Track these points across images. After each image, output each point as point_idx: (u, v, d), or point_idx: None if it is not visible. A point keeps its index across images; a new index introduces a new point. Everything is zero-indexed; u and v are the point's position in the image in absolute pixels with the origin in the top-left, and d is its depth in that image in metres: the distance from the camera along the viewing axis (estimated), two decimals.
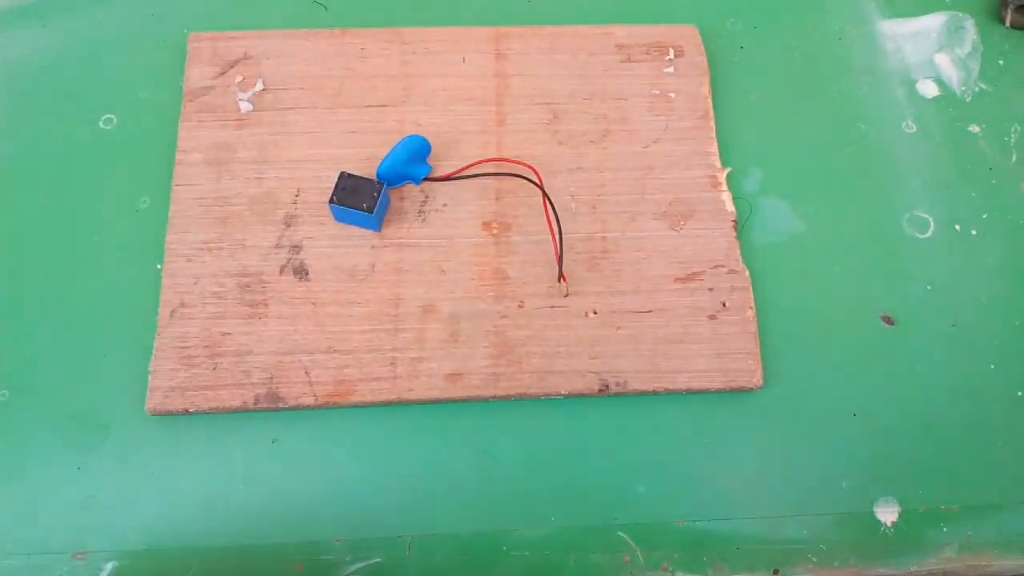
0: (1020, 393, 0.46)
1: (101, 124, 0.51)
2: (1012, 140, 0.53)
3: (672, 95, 0.52)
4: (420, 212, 0.48)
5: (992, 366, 0.47)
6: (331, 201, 0.45)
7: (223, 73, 0.50)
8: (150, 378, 0.43)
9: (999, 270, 0.49)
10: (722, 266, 0.47)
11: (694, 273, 0.47)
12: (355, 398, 0.43)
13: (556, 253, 0.45)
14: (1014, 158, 0.52)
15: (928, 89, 0.54)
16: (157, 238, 0.47)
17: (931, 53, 0.56)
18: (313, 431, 0.44)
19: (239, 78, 0.50)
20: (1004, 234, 0.50)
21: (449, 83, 0.51)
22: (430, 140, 0.48)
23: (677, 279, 0.47)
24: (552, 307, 0.46)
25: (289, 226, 0.47)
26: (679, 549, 0.43)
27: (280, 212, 0.47)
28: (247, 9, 0.54)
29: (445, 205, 0.48)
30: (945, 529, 0.44)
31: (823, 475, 0.44)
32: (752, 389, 0.45)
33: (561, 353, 0.45)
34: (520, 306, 0.46)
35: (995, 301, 0.48)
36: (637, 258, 0.47)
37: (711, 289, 0.47)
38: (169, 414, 0.43)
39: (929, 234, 0.50)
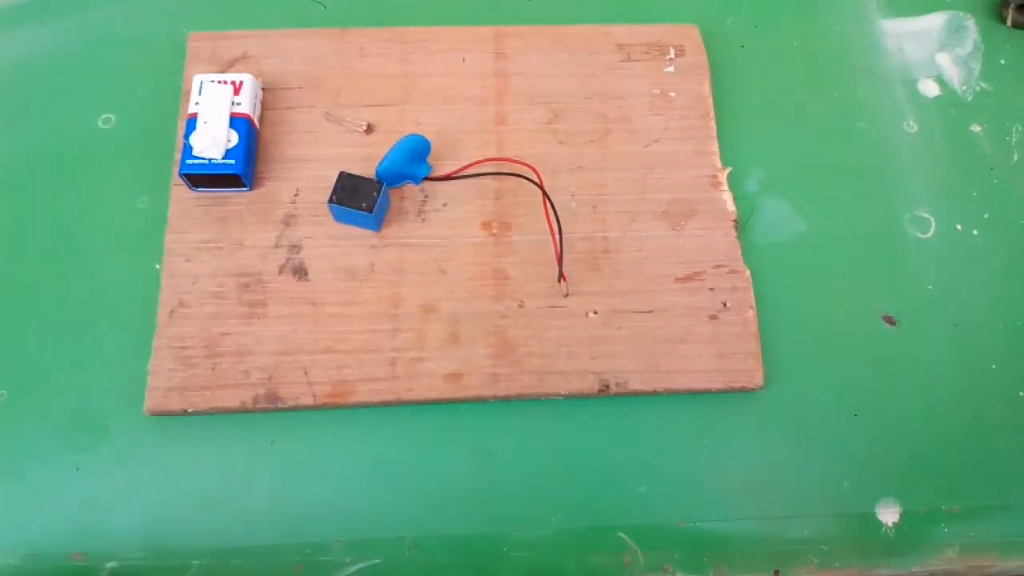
0: (1021, 393, 0.46)
1: (100, 123, 0.50)
2: (1013, 140, 0.53)
3: (673, 94, 0.51)
4: (420, 212, 0.48)
5: (993, 366, 0.47)
6: (330, 201, 0.45)
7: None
8: (149, 378, 0.43)
9: (1000, 270, 0.49)
10: (723, 266, 0.47)
11: (695, 273, 0.47)
12: (354, 398, 0.43)
13: (556, 253, 0.45)
14: (1015, 158, 0.52)
15: (929, 88, 0.54)
16: (156, 238, 0.47)
17: (932, 52, 0.56)
18: (312, 431, 0.44)
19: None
20: (1005, 234, 0.50)
21: (449, 82, 0.51)
22: (430, 139, 0.48)
23: (677, 279, 0.47)
24: (552, 307, 0.46)
25: (288, 226, 0.47)
26: (680, 550, 0.43)
27: (279, 212, 0.47)
28: (247, 8, 0.54)
29: (445, 205, 0.48)
30: (946, 530, 0.44)
31: (824, 475, 0.44)
32: (753, 389, 0.45)
33: (561, 353, 0.45)
34: (520, 306, 0.46)
35: (996, 301, 0.48)
36: (637, 258, 0.47)
37: (712, 289, 0.46)
38: (168, 414, 0.43)
39: (930, 234, 0.50)
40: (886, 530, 0.43)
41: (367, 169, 0.48)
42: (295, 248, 0.46)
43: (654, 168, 0.49)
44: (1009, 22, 0.56)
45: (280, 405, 0.43)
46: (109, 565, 0.41)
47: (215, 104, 0.46)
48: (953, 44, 0.56)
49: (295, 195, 0.48)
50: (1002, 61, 0.55)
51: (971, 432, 0.45)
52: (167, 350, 0.44)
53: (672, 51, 0.53)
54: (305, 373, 0.44)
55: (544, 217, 0.46)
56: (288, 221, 0.47)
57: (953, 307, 0.48)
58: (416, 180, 0.48)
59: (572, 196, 0.49)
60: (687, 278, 0.47)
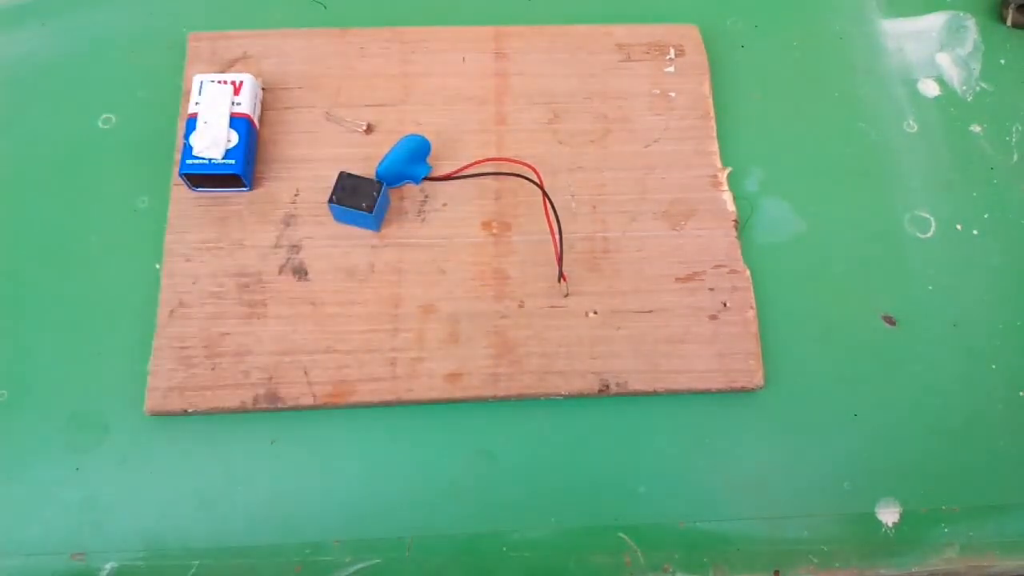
0: (1021, 393, 0.46)
1: (100, 124, 0.50)
2: (1013, 140, 0.53)
3: (673, 94, 0.51)
4: (420, 212, 0.48)
5: (993, 366, 0.47)
6: (330, 201, 0.45)
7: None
8: (149, 378, 0.43)
9: (1000, 270, 0.49)
10: (723, 266, 0.47)
11: (695, 273, 0.47)
12: (354, 398, 0.43)
13: (556, 253, 0.45)
14: (1015, 158, 0.52)
15: (929, 88, 0.54)
16: (156, 238, 0.47)
17: (932, 52, 0.56)
18: (312, 431, 0.44)
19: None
20: (1005, 234, 0.50)
21: (449, 82, 0.51)
22: (430, 139, 0.48)
23: (678, 279, 0.47)
24: (552, 307, 0.46)
25: (288, 226, 0.47)
26: (680, 550, 0.43)
27: (279, 212, 0.47)
28: (246, 8, 0.54)
29: (445, 205, 0.48)
30: (946, 530, 0.44)
31: (824, 475, 0.44)
32: (753, 389, 0.45)
33: (561, 353, 0.45)
34: (520, 306, 0.46)
35: (996, 301, 0.48)
36: (637, 258, 0.47)
37: (712, 289, 0.46)
38: (168, 414, 0.43)
39: (930, 234, 0.50)
40: (886, 530, 0.43)
41: (367, 169, 0.48)
42: (295, 248, 0.46)
43: (654, 168, 0.49)
44: (1009, 22, 0.56)
45: (280, 405, 0.43)
46: (109, 565, 0.41)
47: (215, 104, 0.46)
48: (953, 44, 0.56)
49: (295, 195, 0.48)
50: (1002, 61, 0.55)
51: (971, 432, 0.45)
52: (167, 350, 0.44)
53: (672, 51, 0.53)
54: (305, 373, 0.44)
55: (544, 217, 0.46)
56: (288, 221, 0.47)
57: (953, 307, 0.48)
58: (416, 180, 0.48)
59: (572, 196, 0.49)
60: (687, 278, 0.47)
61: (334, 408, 0.44)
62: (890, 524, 0.44)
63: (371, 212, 0.44)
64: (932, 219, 0.50)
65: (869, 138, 0.52)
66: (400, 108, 0.50)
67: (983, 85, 0.55)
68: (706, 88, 0.52)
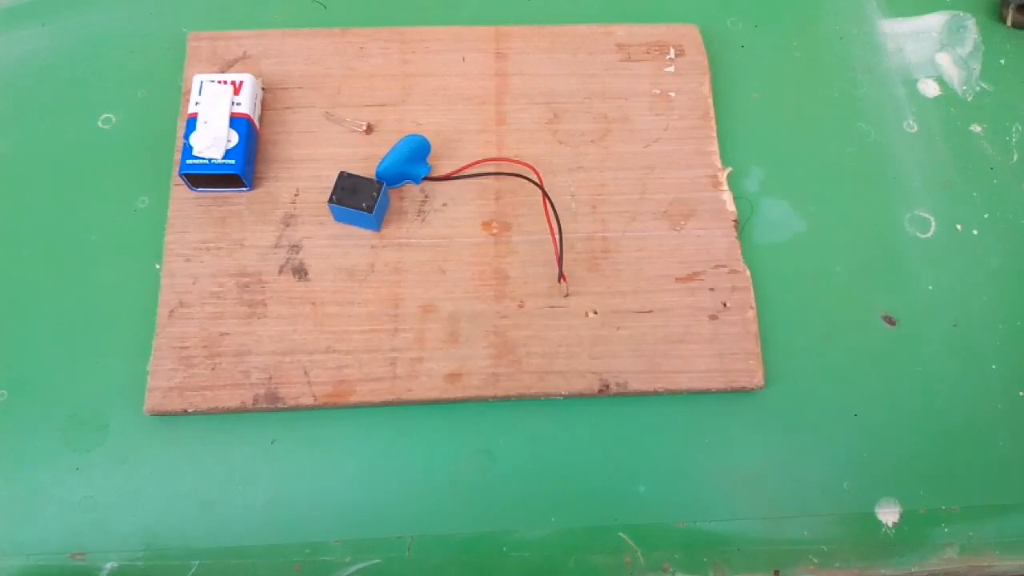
0: (1021, 393, 0.46)
1: (100, 123, 0.50)
2: (1013, 140, 0.53)
3: (673, 94, 0.51)
4: (420, 212, 0.48)
5: (993, 366, 0.47)
6: (331, 200, 0.45)
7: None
8: (148, 378, 0.43)
9: (1000, 270, 0.49)
10: (723, 266, 0.47)
11: (695, 273, 0.47)
12: (354, 398, 0.43)
13: (556, 253, 0.45)
14: (1015, 158, 0.52)
15: (929, 89, 0.54)
16: (156, 238, 0.47)
17: (932, 52, 0.56)
18: (312, 431, 0.44)
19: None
20: (1006, 234, 0.50)
21: (449, 82, 0.51)
22: (430, 139, 0.48)
23: (678, 279, 0.47)
24: (552, 307, 0.46)
25: (288, 226, 0.47)
26: (680, 550, 0.43)
27: (279, 212, 0.47)
28: (246, 8, 0.54)
29: (445, 205, 0.48)
30: (946, 530, 0.44)
31: (824, 475, 0.44)
32: (753, 389, 0.45)
33: (561, 353, 0.45)
34: (520, 306, 0.46)
35: (996, 301, 0.48)
36: (637, 258, 0.47)
37: (712, 289, 0.46)
38: (168, 414, 0.43)
39: (930, 234, 0.50)
40: (886, 530, 0.43)
41: (367, 169, 0.48)
42: (295, 248, 0.46)
43: (654, 168, 0.49)
44: (1009, 22, 0.56)
45: (280, 405, 0.43)
46: (109, 565, 0.41)
47: (215, 104, 0.46)
48: (953, 44, 0.56)
49: (295, 195, 0.48)
50: (1002, 61, 0.55)
51: (971, 432, 0.45)
52: (167, 350, 0.44)
53: (672, 51, 0.53)
54: (305, 373, 0.44)
55: (544, 217, 0.46)
56: (288, 221, 0.47)
57: (953, 307, 0.48)
58: (416, 180, 0.48)
59: (572, 196, 0.49)
60: (687, 278, 0.47)
61: (334, 408, 0.44)
62: (890, 524, 0.44)
63: (371, 212, 0.44)
64: (932, 219, 0.50)
65: (869, 138, 0.52)
66: (400, 108, 0.50)
67: (983, 85, 0.55)
68: (706, 88, 0.52)
